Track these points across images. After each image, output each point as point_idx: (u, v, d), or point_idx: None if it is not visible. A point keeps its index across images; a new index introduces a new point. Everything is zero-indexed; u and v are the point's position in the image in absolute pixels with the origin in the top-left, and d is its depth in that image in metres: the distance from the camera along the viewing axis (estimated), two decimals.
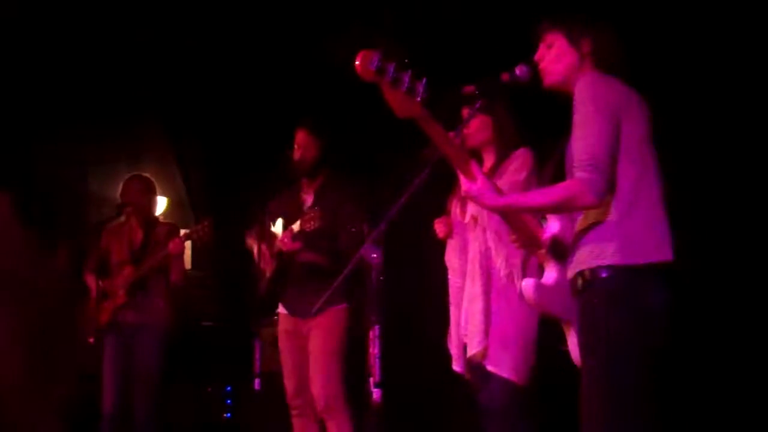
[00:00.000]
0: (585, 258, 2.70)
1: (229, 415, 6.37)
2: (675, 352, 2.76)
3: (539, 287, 2.96)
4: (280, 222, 4.61)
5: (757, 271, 4.59)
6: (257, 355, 4.61)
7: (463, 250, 3.87)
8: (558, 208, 2.82)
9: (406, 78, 2.62)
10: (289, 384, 4.56)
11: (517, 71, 2.96)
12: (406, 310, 4.96)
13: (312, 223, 4.30)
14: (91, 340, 5.15)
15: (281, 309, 4.65)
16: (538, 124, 3.77)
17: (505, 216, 3.03)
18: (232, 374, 6.26)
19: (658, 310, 2.64)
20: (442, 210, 4.00)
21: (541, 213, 2.99)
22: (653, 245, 2.65)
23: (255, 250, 4.67)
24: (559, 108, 2.89)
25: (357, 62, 2.59)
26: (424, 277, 4.15)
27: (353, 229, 4.33)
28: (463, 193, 2.83)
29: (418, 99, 2.64)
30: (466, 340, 3.77)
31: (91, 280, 5.25)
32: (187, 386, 6.14)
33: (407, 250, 4.40)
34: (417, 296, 4.94)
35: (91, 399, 5.13)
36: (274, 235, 4.57)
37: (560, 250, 2.95)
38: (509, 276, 3.69)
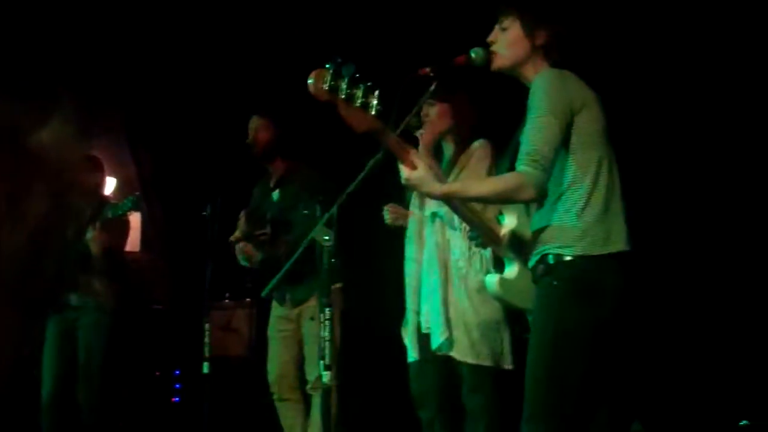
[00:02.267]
0: (546, 247, 2.77)
1: (177, 399, 6.32)
2: (627, 337, 2.82)
3: (502, 281, 3.04)
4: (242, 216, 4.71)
5: (713, 260, 4.69)
6: (206, 339, 4.57)
7: (420, 238, 3.89)
8: (499, 199, 2.91)
9: (360, 93, 2.64)
10: (271, 369, 4.66)
11: (473, 54, 2.96)
12: (358, 292, 4.98)
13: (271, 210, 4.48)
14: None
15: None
16: (500, 110, 3.79)
17: (457, 211, 3.08)
18: (181, 358, 6.20)
19: (611, 293, 2.73)
20: (396, 194, 3.99)
21: (483, 203, 3.08)
22: (610, 236, 2.74)
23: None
24: (518, 92, 2.90)
25: (309, 82, 2.62)
26: (377, 261, 4.15)
27: (305, 212, 4.33)
28: (403, 181, 2.86)
29: (373, 113, 2.66)
30: (427, 332, 3.78)
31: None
32: (136, 370, 6.06)
33: (360, 233, 4.39)
34: (369, 279, 4.96)
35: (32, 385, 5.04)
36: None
37: (519, 244, 3.02)
38: (468, 265, 3.72)
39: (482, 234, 3.10)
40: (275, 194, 4.77)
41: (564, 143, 2.74)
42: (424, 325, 3.79)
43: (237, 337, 6.01)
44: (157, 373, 6.32)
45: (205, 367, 4.50)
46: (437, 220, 3.77)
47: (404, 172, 2.81)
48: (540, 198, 2.76)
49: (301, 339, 4.60)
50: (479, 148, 3.82)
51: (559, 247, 2.75)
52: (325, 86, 2.61)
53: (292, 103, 5.36)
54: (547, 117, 2.70)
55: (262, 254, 4.64)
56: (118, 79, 6.59)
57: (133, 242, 5.67)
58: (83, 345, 4.98)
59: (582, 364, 2.72)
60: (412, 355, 3.85)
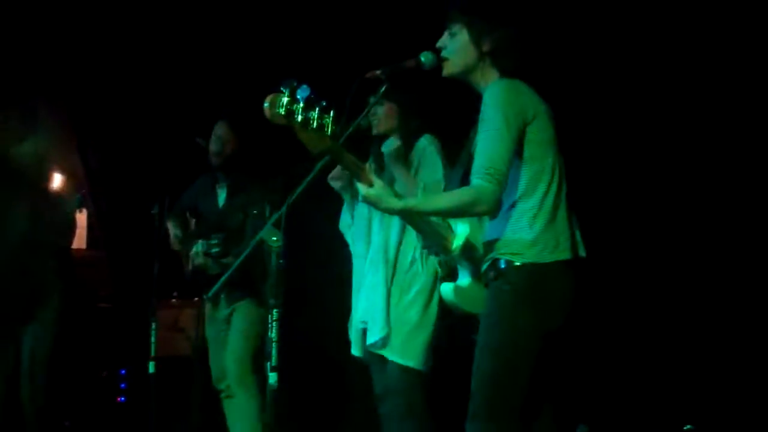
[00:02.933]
0: (498, 254, 2.83)
1: (123, 399, 6.26)
2: (572, 340, 2.87)
3: (457, 290, 3.08)
4: (189, 217, 4.68)
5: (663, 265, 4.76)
6: (152, 338, 4.55)
7: (367, 235, 3.91)
8: (455, 214, 2.94)
9: (315, 115, 2.65)
10: (213, 368, 4.76)
11: (422, 58, 2.98)
12: (306, 294, 4.99)
13: (217, 251, 4.58)
14: None
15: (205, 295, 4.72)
16: (446, 109, 3.82)
17: (412, 222, 3.11)
18: (126, 357, 6.15)
19: (559, 299, 2.81)
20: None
21: (439, 216, 3.08)
22: (559, 244, 2.80)
23: (171, 238, 4.82)
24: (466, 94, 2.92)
25: (265, 107, 2.63)
26: (325, 261, 4.17)
27: (255, 212, 4.34)
28: (361, 199, 2.90)
29: (329, 134, 2.68)
30: (365, 326, 3.81)
31: None
32: (81, 370, 5.99)
33: (308, 234, 4.39)
34: (317, 280, 4.98)
35: None
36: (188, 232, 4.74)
37: (471, 253, 3.06)
38: (412, 264, 3.75)
39: (435, 243, 3.13)
40: (221, 197, 4.76)
41: (517, 154, 2.79)
42: (359, 320, 3.83)
43: (184, 337, 5.97)
44: (104, 373, 6.25)
45: (151, 367, 4.49)
46: (384, 218, 3.79)
47: (362, 189, 2.84)
48: (495, 211, 2.80)
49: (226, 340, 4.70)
50: (427, 145, 3.85)
51: (511, 254, 2.81)
52: (281, 110, 2.63)
53: (249, 106, 5.39)
54: (500, 130, 2.74)
55: (216, 268, 4.65)
56: (64, 73, 6.51)
57: (79, 239, 5.60)
58: (28, 344, 4.92)
59: (528, 367, 2.77)
60: (355, 350, 3.91)
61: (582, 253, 2.88)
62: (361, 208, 3.94)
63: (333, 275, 4.13)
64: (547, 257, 2.78)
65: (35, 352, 4.90)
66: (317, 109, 2.68)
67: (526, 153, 2.80)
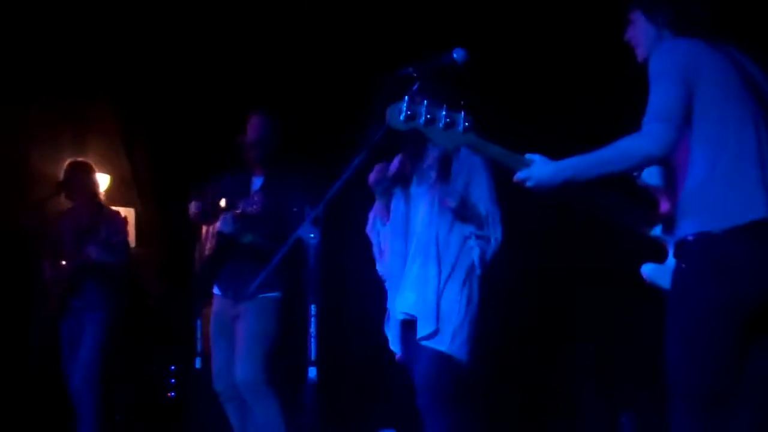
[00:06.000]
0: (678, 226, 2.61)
1: (173, 394, 6.35)
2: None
3: (657, 270, 2.77)
4: (223, 202, 4.60)
5: None
6: (198, 334, 4.61)
7: (405, 233, 3.94)
8: (622, 163, 2.59)
9: (442, 113, 2.62)
10: (214, 367, 4.57)
11: (454, 54, 2.99)
12: (344, 290, 5.01)
13: (255, 207, 4.29)
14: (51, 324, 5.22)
15: (215, 290, 4.64)
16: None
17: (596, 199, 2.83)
18: (176, 353, 6.24)
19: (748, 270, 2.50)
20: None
21: (607, 173, 2.68)
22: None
23: (203, 230, 4.66)
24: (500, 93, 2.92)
25: (386, 119, 2.64)
26: (362, 258, 4.19)
27: (295, 209, 4.33)
28: (527, 184, 2.71)
29: (460, 129, 2.63)
30: (407, 317, 3.82)
31: (46, 266, 5.27)
32: (131, 365, 6.11)
33: (346, 231, 4.43)
34: (354, 277, 4.99)
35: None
36: (217, 214, 4.55)
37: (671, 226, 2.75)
38: (458, 257, 3.78)
39: (637, 218, 2.86)
40: (259, 190, 4.62)
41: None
42: (400, 313, 3.86)
43: None
44: (153, 368, 6.35)
45: (197, 362, 4.51)
46: (432, 213, 3.81)
47: (521, 175, 2.67)
48: (667, 153, 2.53)
49: (235, 339, 4.50)
50: (477, 159, 3.86)
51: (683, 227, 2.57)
52: (401, 117, 2.63)
53: (289, 104, 5.43)
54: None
55: (248, 236, 4.45)
56: (112, 75, 6.62)
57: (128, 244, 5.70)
58: (84, 344, 5.12)
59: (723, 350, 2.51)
60: (395, 345, 3.92)
61: None
62: (398, 205, 3.96)
63: (370, 272, 4.15)
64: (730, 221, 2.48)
65: (87, 351, 5.11)
66: (444, 107, 2.65)
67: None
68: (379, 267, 4.03)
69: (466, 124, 2.63)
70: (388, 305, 3.94)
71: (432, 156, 3.86)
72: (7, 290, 5.78)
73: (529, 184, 2.64)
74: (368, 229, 4.08)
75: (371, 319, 4.06)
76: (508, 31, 4.99)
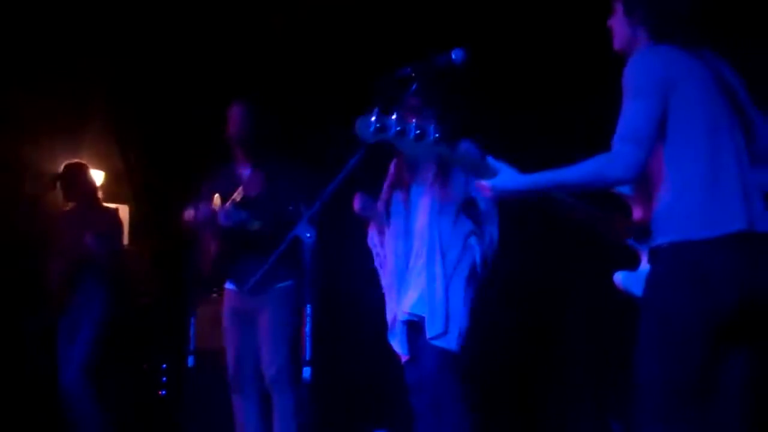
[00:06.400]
0: (654, 235, 2.60)
1: (164, 392, 6.34)
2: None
3: (630, 277, 2.79)
4: (216, 198, 4.57)
5: None
6: (192, 333, 4.60)
7: (405, 233, 3.94)
8: (589, 184, 2.61)
9: (412, 125, 2.63)
10: (229, 361, 4.51)
11: (453, 55, 2.99)
12: (339, 290, 5.00)
13: (254, 187, 4.29)
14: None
15: (228, 285, 4.57)
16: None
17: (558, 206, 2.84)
18: (167, 351, 6.23)
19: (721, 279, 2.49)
20: (377, 192, 4.04)
21: (573, 192, 2.79)
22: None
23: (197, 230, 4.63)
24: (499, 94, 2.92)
25: (355, 131, 2.63)
26: (357, 258, 4.18)
27: (290, 208, 4.31)
28: (487, 194, 2.77)
29: (430, 139, 2.64)
30: (413, 319, 3.82)
31: (52, 265, 5.28)
32: (123, 363, 6.10)
33: (342, 230, 4.43)
34: (349, 276, 4.99)
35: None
36: (214, 212, 4.51)
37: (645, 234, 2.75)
38: (460, 256, 3.79)
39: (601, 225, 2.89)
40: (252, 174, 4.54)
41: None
42: (404, 314, 3.85)
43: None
44: (144, 367, 6.34)
45: (190, 360, 4.50)
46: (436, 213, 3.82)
47: (485, 185, 2.71)
48: (635, 176, 2.52)
49: (257, 331, 4.45)
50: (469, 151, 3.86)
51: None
52: (371, 129, 2.63)
53: (271, 93, 5.42)
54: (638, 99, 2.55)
55: (255, 224, 4.33)
56: (106, 73, 6.61)
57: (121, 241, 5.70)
58: (78, 341, 5.13)
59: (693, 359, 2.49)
60: (398, 346, 3.91)
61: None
62: (398, 207, 3.97)
63: (367, 272, 4.15)
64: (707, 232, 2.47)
65: (79, 348, 5.11)
66: (414, 119, 2.66)
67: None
68: (382, 280, 4.05)
69: (437, 135, 2.65)
70: (388, 315, 3.95)
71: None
72: (4, 289, 5.77)
73: (493, 192, 2.68)
74: (369, 240, 4.08)
75: (366, 318, 4.06)
76: (508, 31, 5.00)
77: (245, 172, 4.59)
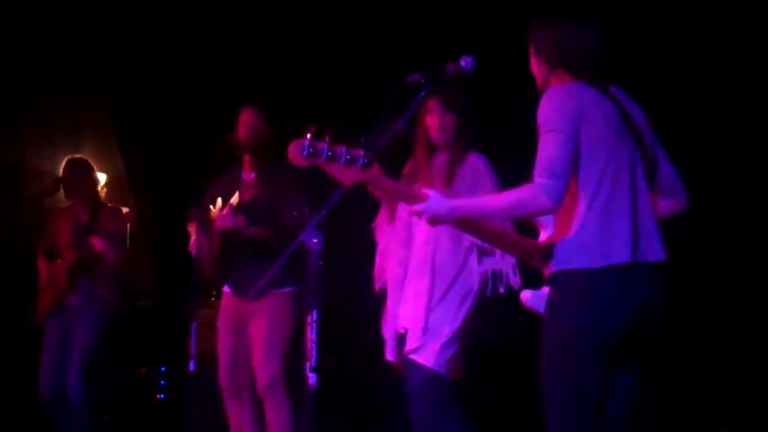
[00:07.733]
0: (553, 261, 2.76)
1: (162, 396, 6.32)
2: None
3: (535, 296, 2.92)
4: (219, 201, 4.56)
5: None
6: (193, 337, 4.58)
7: (408, 242, 3.94)
8: (513, 213, 2.80)
9: (342, 150, 2.69)
10: (222, 365, 4.52)
11: (462, 62, 2.98)
12: (345, 296, 5.00)
13: (250, 191, 4.31)
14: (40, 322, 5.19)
15: (226, 288, 4.59)
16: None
17: (486, 236, 3.00)
18: (166, 355, 6.21)
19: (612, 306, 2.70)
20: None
21: (497, 219, 2.94)
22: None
23: (194, 236, 4.60)
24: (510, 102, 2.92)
25: (288, 154, 2.70)
26: (363, 264, 4.18)
27: (295, 213, 4.32)
28: (420, 218, 2.83)
29: (360, 165, 2.70)
30: (401, 330, 3.85)
31: (41, 264, 5.23)
32: (121, 367, 6.08)
33: (348, 236, 4.42)
34: (355, 283, 4.98)
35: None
36: (212, 218, 4.50)
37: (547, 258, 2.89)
38: (456, 276, 3.78)
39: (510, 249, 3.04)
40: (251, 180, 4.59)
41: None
42: (398, 326, 3.89)
43: None
44: (142, 370, 6.32)
45: (191, 365, 4.49)
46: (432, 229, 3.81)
47: (416, 208, 2.78)
48: (556, 208, 2.69)
49: (251, 337, 4.47)
50: (475, 168, 3.85)
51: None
52: (304, 154, 2.67)
53: (277, 96, 5.42)
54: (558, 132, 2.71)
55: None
56: (105, 73, 6.60)
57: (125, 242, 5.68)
58: (77, 342, 5.11)
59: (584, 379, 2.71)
60: (391, 355, 3.95)
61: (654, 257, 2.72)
62: (402, 213, 3.96)
63: (371, 277, 4.15)
64: (597, 262, 2.66)
65: (80, 350, 5.08)
66: (344, 144, 2.71)
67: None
68: (377, 285, 4.05)
69: (365, 160, 2.70)
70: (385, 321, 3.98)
71: (437, 164, 3.86)
72: (3, 288, 5.75)
73: (424, 216, 2.78)
74: (375, 225, 4.09)
75: (373, 325, 4.06)
76: (516, 38, 4.99)
77: (249, 176, 4.59)
